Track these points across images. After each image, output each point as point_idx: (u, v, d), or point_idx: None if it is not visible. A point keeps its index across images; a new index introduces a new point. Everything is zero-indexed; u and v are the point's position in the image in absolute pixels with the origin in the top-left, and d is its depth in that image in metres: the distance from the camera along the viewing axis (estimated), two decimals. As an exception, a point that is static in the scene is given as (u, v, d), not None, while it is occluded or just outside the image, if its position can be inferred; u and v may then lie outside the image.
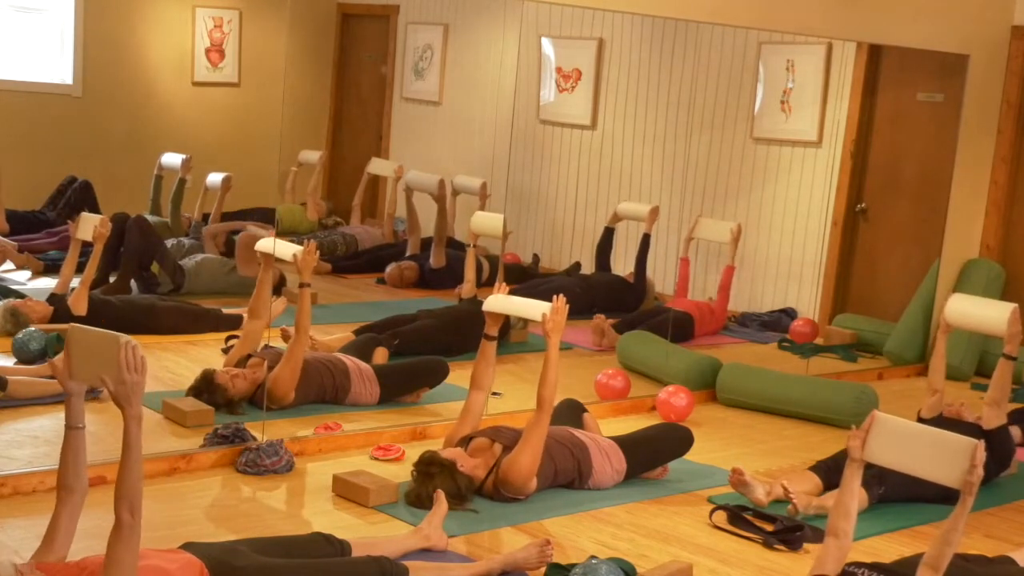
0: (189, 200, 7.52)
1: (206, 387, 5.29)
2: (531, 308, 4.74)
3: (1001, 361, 5.16)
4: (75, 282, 6.20)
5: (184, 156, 7.41)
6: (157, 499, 4.34)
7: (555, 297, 4.63)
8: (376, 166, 8.42)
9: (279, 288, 6.63)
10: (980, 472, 3.27)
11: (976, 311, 5.37)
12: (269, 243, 5.65)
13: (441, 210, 7.90)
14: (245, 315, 6.26)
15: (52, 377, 5.15)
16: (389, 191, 8.41)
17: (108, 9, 7.41)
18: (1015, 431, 5.59)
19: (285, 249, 5.60)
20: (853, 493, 3.50)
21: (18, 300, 6.06)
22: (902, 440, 3.42)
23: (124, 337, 2.99)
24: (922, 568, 3.35)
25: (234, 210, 7.55)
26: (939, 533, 3.38)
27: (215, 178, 7.50)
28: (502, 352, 6.16)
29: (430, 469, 4.42)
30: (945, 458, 3.32)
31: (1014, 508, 5.12)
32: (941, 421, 5.26)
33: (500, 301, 4.84)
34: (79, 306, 6.02)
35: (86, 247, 6.24)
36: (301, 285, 5.40)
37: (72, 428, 3.16)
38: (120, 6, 7.53)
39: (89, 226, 6.10)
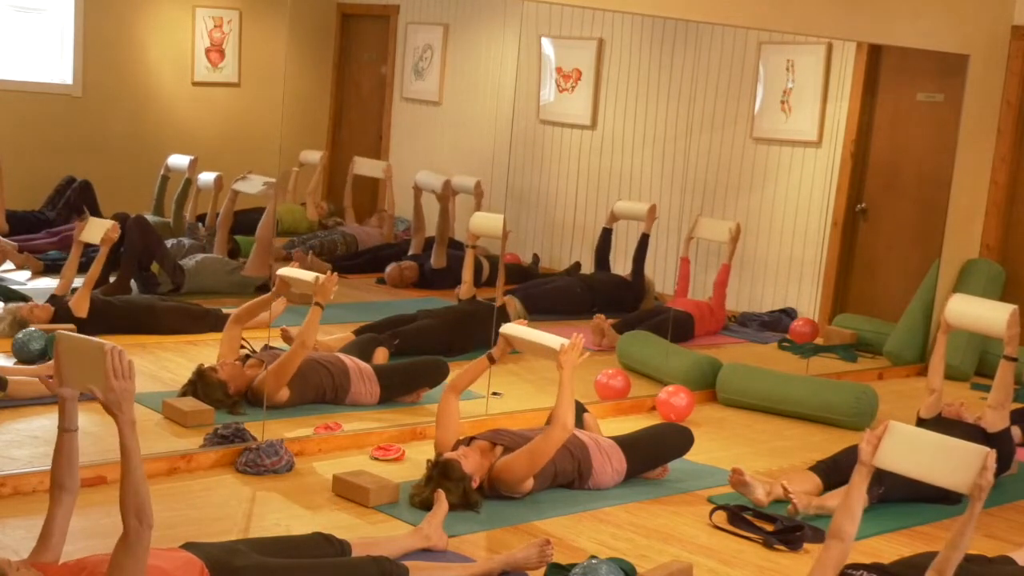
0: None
1: (199, 380, 5.29)
2: (549, 340, 4.73)
3: (1002, 363, 5.15)
4: (76, 282, 6.20)
5: (191, 157, 7.43)
6: (157, 499, 4.29)
7: (575, 334, 4.64)
8: (361, 166, 8.40)
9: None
10: (991, 477, 3.27)
11: (976, 312, 5.37)
12: (289, 271, 5.67)
13: (444, 210, 7.90)
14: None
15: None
16: (388, 191, 8.42)
17: (108, 9, 7.42)
18: (1015, 431, 5.59)
19: (306, 275, 5.61)
20: (860, 497, 3.49)
21: (23, 305, 6.05)
22: (914, 448, 3.42)
23: (109, 344, 2.96)
24: (929, 572, 3.35)
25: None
26: (948, 538, 3.37)
27: (207, 178, 7.51)
28: (502, 352, 6.18)
29: (446, 484, 4.38)
30: (956, 464, 3.34)
31: (1014, 508, 5.12)
32: (941, 421, 5.26)
33: (519, 330, 4.85)
34: (80, 307, 6.03)
35: (88, 250, 6.24)
36: (316, 304, 5.40)
37: (65, 431, 3.16)
38: (120, 6, 7.54)
39: (99, 230, 6.12)
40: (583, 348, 4.64)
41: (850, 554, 3.55)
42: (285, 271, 5.71)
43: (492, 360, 4.86)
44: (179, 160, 7.51)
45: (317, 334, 5.45)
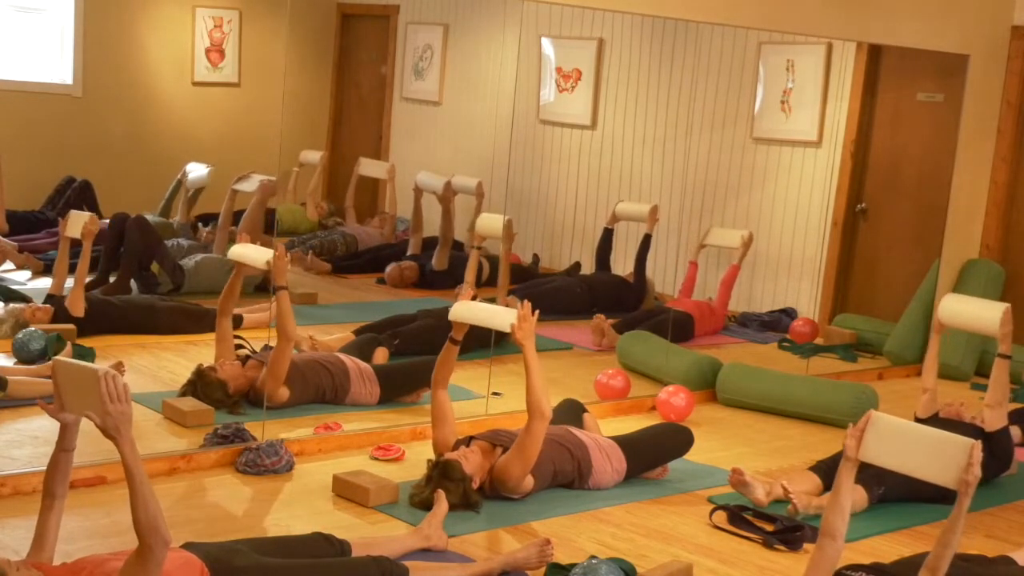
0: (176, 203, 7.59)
1: (199, 379, 5.29)
2: (498, 317, 4.66)
3: (997, 361, 5.15)
4: (70, 281, 6.20)
5: (208, 167, 7.47)
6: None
7: (520, 304, 4.59)
8: (366, 167, 8.41)
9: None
10: (977, 472, 3.25)
11: (969, 311, 5.37)
12: (240, 250, 5.62)
13: (446, 212, 7.90)
14: (242, 313, 6.26)
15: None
16: (389, 191, 8.42)
17: (108, 9, 7.41)
18: (1015, 431, 5.58)
19: (258, 255, 5.54)
20: (848, 493, 3.48)
21: (24, 307, 6.04)
22: (898, 440, 3.39)
23: (102, 369, 2.95)
24: (922, 571, 3.34)
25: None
26: (938, 535, 3.37)
27: (200, 172, 7.52)
28: (502, 352, 6.17)
29: (446, 484, 4.38)
30: (942, 458, 3.31)
31: (1014, 508, 5.12)
32: (939, 421, 5.25)
33: (466, 310, 4.76)
34: (76, 307, 6.02)
35: (77, 246, 6.23)
36: (278, 288, 5.31)
37: (63, 451, 3.19)
38: (120, 6, 7.53)
39: (78, 223, 6.09)
40: (531, 311, 4.52)
41: (850, 554, 3.56)
42: (235, 250, 5.65)
43: (455, 342, 4.80)
44: (196, 167, 7.56)
45: (293, 319, 5.31)
